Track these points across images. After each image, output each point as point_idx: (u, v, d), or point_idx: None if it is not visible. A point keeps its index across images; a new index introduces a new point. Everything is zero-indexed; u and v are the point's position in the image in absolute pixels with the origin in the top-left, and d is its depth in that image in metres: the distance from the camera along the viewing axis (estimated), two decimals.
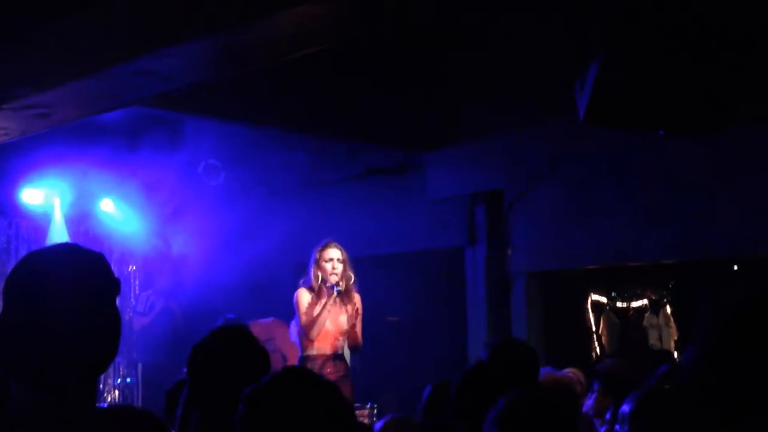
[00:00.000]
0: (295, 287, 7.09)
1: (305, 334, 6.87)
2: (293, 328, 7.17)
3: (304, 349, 6.94)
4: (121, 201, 9.95)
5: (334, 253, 6.96)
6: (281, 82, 7.04)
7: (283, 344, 9.15)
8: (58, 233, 9.60)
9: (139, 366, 9.81)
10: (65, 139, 8.11)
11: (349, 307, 6.97)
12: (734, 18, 4.84)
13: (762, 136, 7.06)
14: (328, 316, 6.88)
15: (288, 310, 9.64)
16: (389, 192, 9.52)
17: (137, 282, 10.44)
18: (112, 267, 2.09)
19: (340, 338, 6.97)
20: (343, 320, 6.95)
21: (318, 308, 6.86)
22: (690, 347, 1.72)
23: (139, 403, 9.62)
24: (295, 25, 4.58)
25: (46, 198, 9.36)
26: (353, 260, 7.14)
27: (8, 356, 1.95)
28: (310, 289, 6.95)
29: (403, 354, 9.59)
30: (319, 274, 6.94)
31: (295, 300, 6.98)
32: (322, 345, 6.90)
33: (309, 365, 6.69)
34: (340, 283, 6.91)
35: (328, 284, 6.89)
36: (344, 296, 6.96)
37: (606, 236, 8.08)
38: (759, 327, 1.56)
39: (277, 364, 9.21)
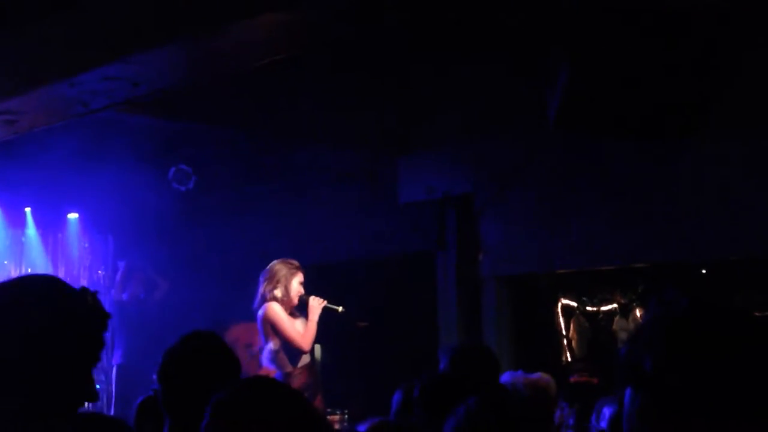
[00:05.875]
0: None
1: (299, 346, 6.78)
2: (268, 351, 6.98)
3: (283, 366, 6.84)
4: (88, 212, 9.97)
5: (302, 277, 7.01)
6: (249, 86, 7.02)
7: None
8: (33, 243, 9.61)
9: (114, 369, 9.75)
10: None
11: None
12: (700, 27, 4.89)
13: (729, 141, 7.12)
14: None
15: None
16: (359, 197, 9.51)
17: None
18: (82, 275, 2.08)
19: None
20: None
21: (298, 323, 6.85)
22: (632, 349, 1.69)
23: (112, 406, 9.58)
24: (264, 32, 4.58)
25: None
26: (325, 265, 7.16)
27: None
28: (280, 302, 6.88)
29: (374, 359, 9.58)
30: (301, 291, 6.92)
31: (273, 316, 6.81)
32: (304, 357, 6.90)
33: (294, 380, 6.68)
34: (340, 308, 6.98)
35: (324, 303, 6.91)
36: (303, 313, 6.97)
37: (576, 240, 8.11)
38: (705, 334, 1.57)
39: (254, 370, 9.18)
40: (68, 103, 5.66)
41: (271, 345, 6.85)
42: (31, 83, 5.44)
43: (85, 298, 2.01)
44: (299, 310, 6.95)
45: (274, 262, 6.99)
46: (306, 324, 6.86)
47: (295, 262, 6.99)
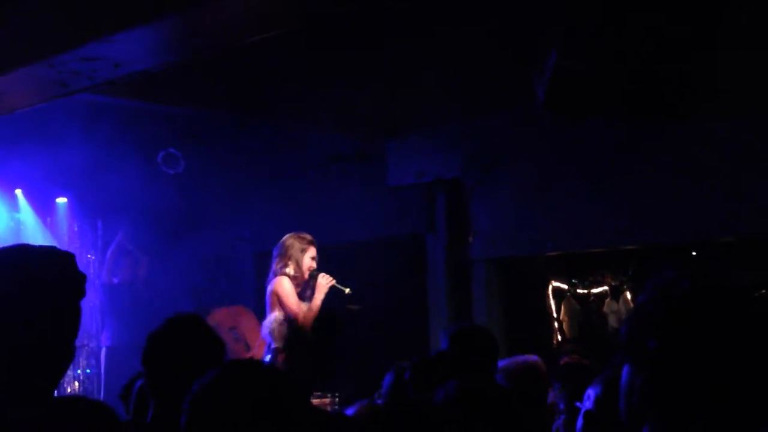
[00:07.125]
0: (263, 276, 6.99)
1: (300, 321, 6.77)
2: (269, 321, 6.93)
3: (277, 340, 6.83)
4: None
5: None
6: (237, 68, 6.98)
7: (246, 332, 9.05)
8: (31, 223, 9.61)
9: (103, 351, 9.73)
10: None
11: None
12: (687, 16, 4.87)
13: (718, 123, 7.11)
14: None
15: (250, 298, 9.62)
16: (349, 180, 9.50)
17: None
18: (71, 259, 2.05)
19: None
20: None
21: (303, 305, 6.85)
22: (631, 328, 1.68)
23: (102, 388, 9.56)
24: (247, 9, 4.54)
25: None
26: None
27: None
28: (292, 278, 6.87)
29: (364, 342, 9.58)
30: (312, 266, 6.91)
31: (280, 288, 6.82)
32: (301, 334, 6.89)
33: (284, 355, 6.67)
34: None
35: (332, 282, 6.90)
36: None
37: (566, 223, 8.11)
38: (709, 311, 1.56)
39: (240, 352, 9.14)
40: (49, 84, 5.61)
41: (273, 316, 6.87)
42: (11, 63, 5.39)
43: (57, 258, 2.00)
44: (309, 286, 6.95)
45: (287, 236, 6.99)
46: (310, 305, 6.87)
47: (308, 236, 6.99)
